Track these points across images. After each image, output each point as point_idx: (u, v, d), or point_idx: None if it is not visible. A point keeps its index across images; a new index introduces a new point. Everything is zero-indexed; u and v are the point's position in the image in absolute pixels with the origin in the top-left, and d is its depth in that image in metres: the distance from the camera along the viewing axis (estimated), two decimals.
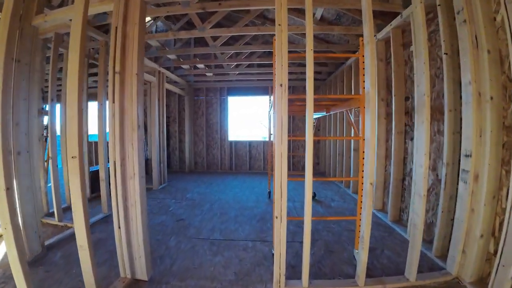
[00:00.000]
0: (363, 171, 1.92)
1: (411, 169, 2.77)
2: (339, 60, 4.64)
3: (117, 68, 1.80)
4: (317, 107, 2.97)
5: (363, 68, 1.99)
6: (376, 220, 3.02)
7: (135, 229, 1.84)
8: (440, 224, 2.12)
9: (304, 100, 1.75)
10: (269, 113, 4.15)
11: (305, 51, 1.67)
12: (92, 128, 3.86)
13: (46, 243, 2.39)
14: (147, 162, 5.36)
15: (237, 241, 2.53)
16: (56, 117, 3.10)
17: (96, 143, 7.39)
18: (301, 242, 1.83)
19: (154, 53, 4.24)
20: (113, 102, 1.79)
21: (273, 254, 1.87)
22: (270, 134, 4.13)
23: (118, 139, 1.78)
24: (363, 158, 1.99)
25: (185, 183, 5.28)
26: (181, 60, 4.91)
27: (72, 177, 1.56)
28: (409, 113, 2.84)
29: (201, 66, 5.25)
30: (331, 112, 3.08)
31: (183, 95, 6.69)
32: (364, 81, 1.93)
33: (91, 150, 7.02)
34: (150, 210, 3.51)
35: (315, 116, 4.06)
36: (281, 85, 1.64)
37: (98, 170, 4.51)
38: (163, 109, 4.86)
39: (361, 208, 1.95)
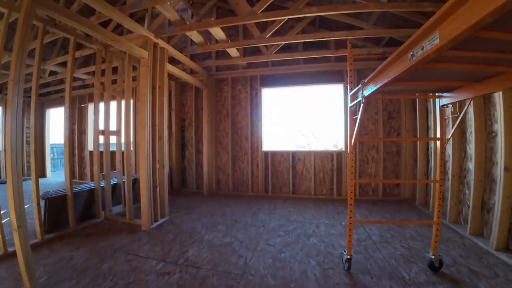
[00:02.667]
0: None
1: None
2: None
3: None
4: None
5: None
6: None
7: None
8: None
9: None
10: (345, 109, 2.08)
11: None
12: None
13: None
14: (135, 184, 3.59)
15: None
16: None
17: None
18: None
19: (138, 5, 2.49)
20: None
21: None
22: (350, 139, 2.02)
23: None
24: None
25: (195, 219, 3.33)
26: (188, 23, 3.09)
27: None
28: None
29: (220, 36, 3.40)
30: None
31: (201, 88, 4.93)
32: None
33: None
34: None
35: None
36: None
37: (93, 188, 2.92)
38: (162, 102, 3.09)
39: None
